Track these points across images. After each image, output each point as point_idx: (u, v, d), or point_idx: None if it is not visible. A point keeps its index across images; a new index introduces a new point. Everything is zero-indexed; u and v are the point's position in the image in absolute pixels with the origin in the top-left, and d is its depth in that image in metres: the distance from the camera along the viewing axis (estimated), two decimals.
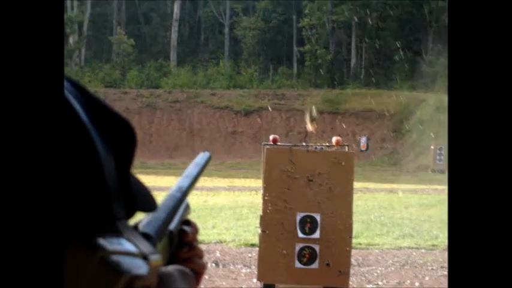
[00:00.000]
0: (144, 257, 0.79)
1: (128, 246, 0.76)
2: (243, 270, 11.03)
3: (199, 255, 1.09)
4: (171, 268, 0.97)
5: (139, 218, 0.96)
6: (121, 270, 0.71)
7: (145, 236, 0.91)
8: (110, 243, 0.72)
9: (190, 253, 1.07)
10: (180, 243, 1.07)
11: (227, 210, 18.73)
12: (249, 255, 12.09)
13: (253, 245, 12.43)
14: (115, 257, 0.71)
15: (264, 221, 6.89)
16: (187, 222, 1.11)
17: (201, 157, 1.28)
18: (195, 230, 1.11)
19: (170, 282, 0.94)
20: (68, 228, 0.69)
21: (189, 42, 69.07)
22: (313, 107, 9.09)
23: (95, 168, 0.73)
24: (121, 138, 0.79)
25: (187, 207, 1.12)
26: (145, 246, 0.81)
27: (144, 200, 0.87)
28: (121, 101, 50.02)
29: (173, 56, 62.10)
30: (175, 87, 54.75)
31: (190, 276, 1.01)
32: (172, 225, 1.04)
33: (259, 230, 6.99)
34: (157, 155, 45.57)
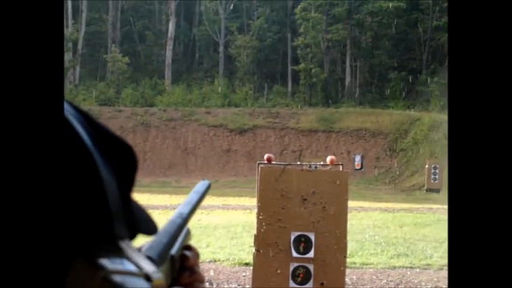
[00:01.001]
0: (147, 277, 0.79)
1: (130, 266, 0.77)
2: None
3: (200, 280, 1.09)
4: None
5: (141, 241, 0.96)
6: None
7: (148, 259, 0.91)
8: (112, 263, 0.73)
9: (192, 278, 1.07)
10: (182, 268, 1.06)
11: (221, 229, 18.68)
12: (243, 274, 12.05)
13: (247, 264, 12.38)
14: (118, 277, 0.72)
15: (258, 240, 6.86)
16: (189, 247, 1.11)
17: (201, 185, 1.31)
18: (196, 255, 1.11)
19: None
20: (71, 247, 0.70)
21: (184, 61, 69.17)
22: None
23: (98, 189, 0.74)
24: (123, 162, 0.81)
25: (188, 233, 1.13)
26: (148, 266, 0.81)
27: (145, 223, 0.89)
28: (115, 119, 49.99)
29: (168, 74, 62.17)
30: (169, 106, 54.76)
31: None
32: (174, 250, 1.04)
33: (253, 249, 6.95)
34: (152, 173, 45.47)
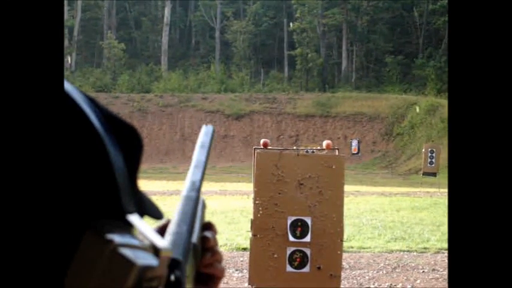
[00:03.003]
0: (156, 250, 0.80)
1: (140, 239, 0.78)
2: (235, 275, 11.02)
3: (220, 259, 1.09)
4: None
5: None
6: (133, 261, 0.73)
7: (175, 262, 0.91)
8: (121, 237, 0.74)
9: (213, 258, 1.07)
10: (203, 249, 1.06)
11: (219, 215, 18.71)
12: (241, 259, 12.09)
13: (245, 249, 12.42)
14: (127, 250, 0.73)
15: (255, 225, 6.89)
16: (207, 226, 1.09)
17: (205, 133, 1.24)
18: (215, 232, 1.10)
19: None
20: (80, 221, 0.73)
21: (180, 47, 69.07)
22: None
23: (105, 163, 0.76)
24: (129, 142, 0.82)
25: (204, 206, 1.10)
26: (157, 239, 0.82)
27: (150, 207, 0.90)
28: (112, 105, 49.93)
29: (164, 60, 62.08)
30: (166, 92, 54.72)
31: None
32: (195, 237, 1.02)
33: (250, 234, 6.99)
34: (149, 160, 45.46)
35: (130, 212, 0.80)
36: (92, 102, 0.81)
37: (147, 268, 0.76)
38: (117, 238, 0.73)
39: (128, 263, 0.73)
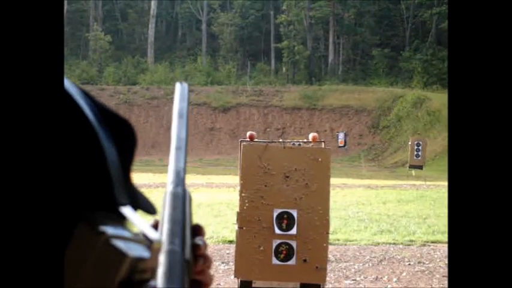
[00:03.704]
0: (147, 241, 0.81)
1: (131, 231, 0.80)
2: (221, 267, 11.01)
3: (211, 266, 1.06)
4: None
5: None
6: (125, 253, 0.74)
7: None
8: (114, 228, 0.75)
9: (205, 265, 1.04)
10: (194, 256, 1.02)
11: (205, 207, 18.69)
12: (227, 251, 12.08)
13: (231, 242, 12.41)
14: (119, 241, 0.75)
15: (241, 217, 6.87)
16: (196, 230, 1.03)
17: (181, 96, 1.10)
18: (203, 234, 1.06)
19: None
20: (73, 213, 0.74)
21: (167, 39, 68.92)
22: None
23: (99, 156, 0.77)
24: (123, 136, 0.84)
25: (190, 199, 1.01)
26: (149, 231, 0.82)
27: (144, 201, 0.90)
28: (98, 97, 49.62)
29: (150, 52, 61.93)
30: (152, 84, 54.63)
31: None
32: (187, 252, 0.95)
33: (236, 227, 6.97)
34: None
35: (123, 205, 0.81)
36: (87, 96, 0.83)
37: (139, 260, 0.77)
38: (109, 230, 0.74)
39: (120, 255, 0.74)
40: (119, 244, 0.74)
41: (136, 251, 0.77)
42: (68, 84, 0.79)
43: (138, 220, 0.82)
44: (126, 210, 0.81)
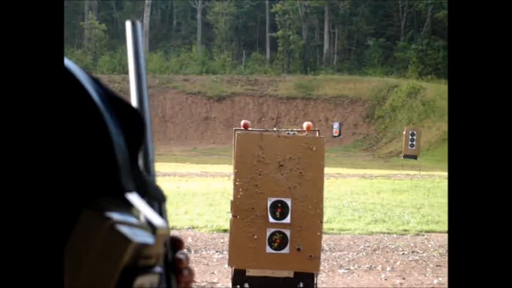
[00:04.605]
0: (152, 228, 0.81)
1: (137, 217, 0.80)
2: (215, 256, 11.03)
3: (194, 277, 1.06)
4: None
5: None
6: (130, 238, 0.75)
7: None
8: (119, 214, 0.76)
9: (190, 276, 1.03)
10: (177, 269, 1.00)
11: (200, 196, 18.71)
12: (221, 240, 12.09)
13: (225, 231, 12.42)
14: (124, 227, 0.75)
15: (235, 206, 6.87)
16: (176, 245, 0.98)
17: (133, 34, 1.00)
18: (183, 248, 1.03)
19: None
20: (79, 198, 0.75)
21: (161, 28, 68.79)
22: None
23: (105, 142, 0.78)
24: (130, 123, 0.84)
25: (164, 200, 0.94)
26: (154, 218, 0.82)
27: (153, 189, 0.90)
28: None
29: (145, 41, 61.80)
30: (147, 73, 54.18)
31: None
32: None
33: (230, 215, 6.97)
34: None
35: (130, 191, 0.81)
36: (96, 82, 0.83)
37: (143, 245, 0.78)
38: (115, 215, 0.75)
39: (125, 240, 0.75)
40: (124, 230, 0.75)
41: (141, 237, 0.77)
42: (75, 69, 0.80)
43: (143, 207, 0.82)
44: (132, 197, 0.81)
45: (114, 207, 0.76)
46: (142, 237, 0.78)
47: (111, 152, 0.78)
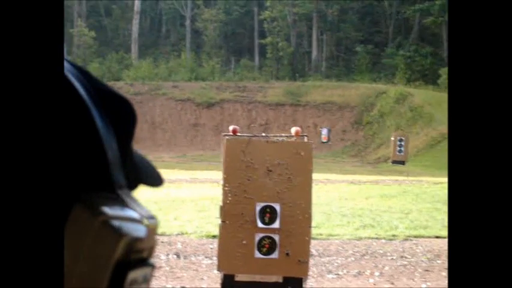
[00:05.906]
0: (143, 221, 0.81)
1: (128, 212, 0.79)
2: (204, 262, 11.05)
3: None
4: None
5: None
6: (122, 233, 0.74)
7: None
8: (111, 209, 0.75)
9: None
10: None
11: (189, 202, 18.71)
12: (211, 246, 12.11)
13: (214, 237, 12.42)
14: (117, 222, 0.74)
15: (224, 211, 6.91)
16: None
17: None
18: None
19: None
20: (70, 194, 0.73)
21: (151, 35, 68.74)
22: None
23: (94, 138, 0.77)
24: (121, 115, 0.84)
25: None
26: (144, 211, 0.83)
27: (149, 175, 0.91)
28: None
29: (134, 48, 61.76)
30: (136, 80, 54.48)
31: None
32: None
33: (219, 221, 7.01)
34: None
35: (121, 185, 0.81)
36: (84, 74, 0.83)
37: (135, 240, 0.77)
38: (106, 210, 0.74)
39: (117, 235, 0.74)
40: (116, 224, 0.75)
41: (133, 231, 0.77)
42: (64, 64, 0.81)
43: (134, 201, 0.83)
44: (123, 191, 0.82)
45: (106, 202, 0.76)
46: (134, 231, 0.78)
47: (101, 147, 0.78)
